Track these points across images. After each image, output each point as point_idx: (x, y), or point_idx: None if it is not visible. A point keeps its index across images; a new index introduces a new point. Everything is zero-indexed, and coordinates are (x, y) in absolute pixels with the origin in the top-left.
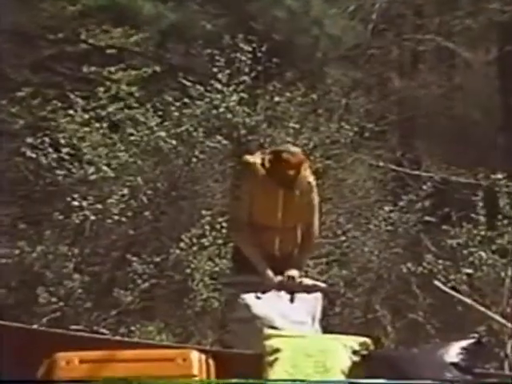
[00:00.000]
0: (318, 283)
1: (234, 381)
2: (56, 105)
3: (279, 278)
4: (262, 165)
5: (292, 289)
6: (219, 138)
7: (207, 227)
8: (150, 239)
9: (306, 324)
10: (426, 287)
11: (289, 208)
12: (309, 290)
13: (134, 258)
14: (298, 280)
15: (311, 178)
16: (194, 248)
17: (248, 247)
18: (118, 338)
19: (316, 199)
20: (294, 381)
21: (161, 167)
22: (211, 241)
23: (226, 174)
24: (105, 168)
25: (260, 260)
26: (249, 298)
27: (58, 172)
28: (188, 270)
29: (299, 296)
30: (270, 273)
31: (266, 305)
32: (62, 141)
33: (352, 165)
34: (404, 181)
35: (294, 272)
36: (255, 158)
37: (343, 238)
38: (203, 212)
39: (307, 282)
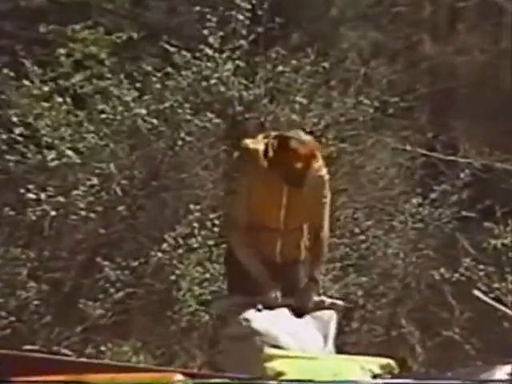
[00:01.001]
0: (334, 301)
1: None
2: (6, 74)
3: (287, 299)
4: (265, 152)
5: (302, 310)
6: (210, 115)
7: (196, 225)
8: (125, 239)
9: (316, 342)
10: (464, 298)
11: (294, 207)
12: (322, 308)
13: (106, 263)
14: (311, 302)
15: (323, 171)
16: (180, 250)
17: (243, 251)
18: (84, 359)
19: (328, 197)
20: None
21: (138, 151)
22: (201, 241)
23: (218, 159)
24: (68, 152)
25: (260, 271)
26: None
27: (9, 157)
28: (172, 277)
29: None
30: (273, 292)
31: (268, 319)
32: (14, 119)
33: (372, 148)
34: (436, 168)
35: (306, 296)
36: (257, 144)
37: (361, 238)
38: (191, 206)
39: (320, 299)
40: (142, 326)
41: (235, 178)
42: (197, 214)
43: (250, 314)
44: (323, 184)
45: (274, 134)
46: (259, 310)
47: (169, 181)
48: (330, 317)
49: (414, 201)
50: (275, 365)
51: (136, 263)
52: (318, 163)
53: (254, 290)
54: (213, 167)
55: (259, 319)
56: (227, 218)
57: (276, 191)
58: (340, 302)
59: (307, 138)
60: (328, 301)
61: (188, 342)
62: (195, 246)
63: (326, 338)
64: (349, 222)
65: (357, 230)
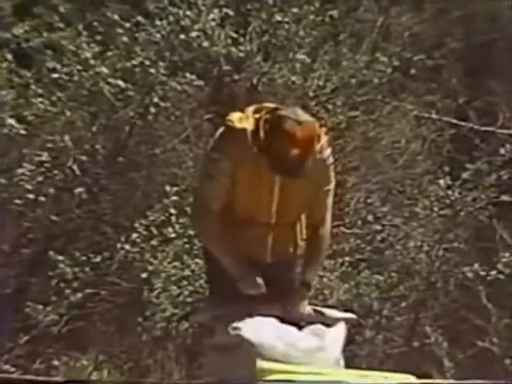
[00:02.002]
0: (339, 314)
1: None
2: None
3: (277, 305)
4: (255, 133)
5: (294, 317)
6: (190, 76)
7: (172, 211)
8: (84, 229)
9: (321, 352)
10: (502, 301)
11: (289, 197)
12: (324, 322)
13: (60, 257)
14: (307, 311)
15: (327, 153)
16: (153, 242)
17: (221, 250)
18: (30, 377)
19: (332, 184)
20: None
21: (101, 121)
22: (178, 231)
23: (200, 130)
24: (11, 121)
25: (243, 273)
26: None
27: None
28: (144, 275)
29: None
30: (261, 298)
31: (262, 327)
32: None
33: (390, 117)
34: (470, 141)
35: (299, 304)
36: (246, 122)
37: (377, 228)
38: (166, 188)
39: (320, 311)
40: (106, 335)
41: (214, 160)
42: (174, 198)
43: (240, 321)
44: (326, 169)
45: (268, 106)
46: (250, 317)
47: (139, 157)
48: (338, 325)
49: (442, 182)
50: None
51: (98, 258)
52: (321, 143)
53: (241, 295)
54: (194, 140)
55: (251, 327)
56: (198, 208)
57: (267, 179)
58: (346, 315)
59: (307, 118)
60: (333, 314)
61: (163, 354)
62: (172, 236)
63: (332, 349)
64: (361, 207)
65: (370, 218)
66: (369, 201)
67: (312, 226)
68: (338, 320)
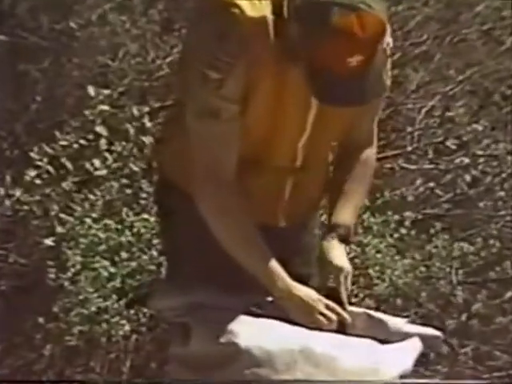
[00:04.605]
0: (412, 329)
1: None
2: None
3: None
4: (279, 23)
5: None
6: None
7: (100, 130)
8: None
9: (372, 378)
10: None
11: (326, 126)
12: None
13: None
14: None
15: (387, 38)
16: (66, 184)
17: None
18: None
19: (388, 82)
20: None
21: None
22: (112, 166)
23: None
24: None
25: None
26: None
27: None
28: (49, 242)
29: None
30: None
31: (272, 329)
32: None
33: None
34: None
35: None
36: (259, 4)
37: (462, 161)
38: (90, 90)
39: (379, 319)
40: None
41: (216, 83)
42: (103, 107)
43: (237, 320)
44: (385, 62)
45: None
46: (255, 315)
47: (37, 35)
48: (408, 343)
49: None
50: None
51: None
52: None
53: (235, 278)
54: (139, 7)
55: (253, 330)
56: (205, 175)
57: (299, 100)
58: (430, 332)
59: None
60: (401, 327)
61: (83, 377)
62: (100, 173)
63: (391, 373)
64: (434, 126)
65: (451, 144)
66: (449, 114)
67: (355, 148)
68: (408, 335)
